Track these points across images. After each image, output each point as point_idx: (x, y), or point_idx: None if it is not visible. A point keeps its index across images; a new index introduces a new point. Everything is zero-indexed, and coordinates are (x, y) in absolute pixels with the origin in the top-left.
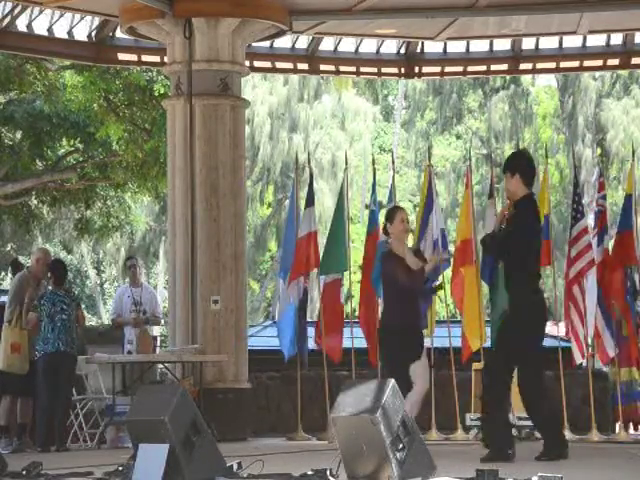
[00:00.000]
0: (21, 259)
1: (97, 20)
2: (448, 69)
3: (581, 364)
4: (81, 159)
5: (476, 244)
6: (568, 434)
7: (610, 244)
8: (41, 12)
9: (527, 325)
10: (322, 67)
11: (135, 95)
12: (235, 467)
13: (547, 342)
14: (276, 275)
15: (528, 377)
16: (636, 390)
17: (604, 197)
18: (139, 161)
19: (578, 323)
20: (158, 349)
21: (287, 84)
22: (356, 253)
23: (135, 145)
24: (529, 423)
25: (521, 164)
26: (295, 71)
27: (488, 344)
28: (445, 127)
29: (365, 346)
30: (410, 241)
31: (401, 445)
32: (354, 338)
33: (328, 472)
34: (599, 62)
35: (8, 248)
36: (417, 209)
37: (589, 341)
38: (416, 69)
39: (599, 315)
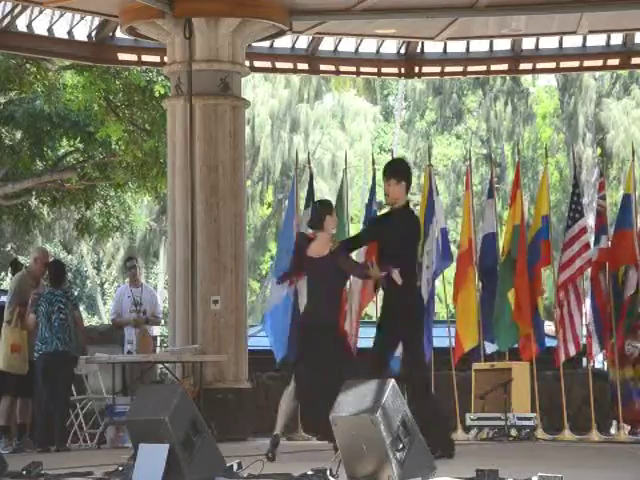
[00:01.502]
0: (21, 259)
1: (97, 20)
2: (448, 69)
3: (581, 363)
4: (81, 159)
5: (476, 245)
6: (568, 434)
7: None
8: (41, 12)
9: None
10: (322, 67)
11: (135, 95)
12: (235, 467)
13: (548, 342)
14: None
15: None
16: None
17: (603, 197)
18: (139, 161)
19: (568, 323)
20: (158, 349)
21: (288, 87)
22: None
23: (135, 145)
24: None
25: (407, 172)
26: (295, 71)
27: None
28: (445, 127)
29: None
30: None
31: (401, 445)
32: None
33: (328, 472)
34: (599, 62)
35: (8, 248)
36: (417, 208)
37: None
38: (416, 69)
39: (590, 315)
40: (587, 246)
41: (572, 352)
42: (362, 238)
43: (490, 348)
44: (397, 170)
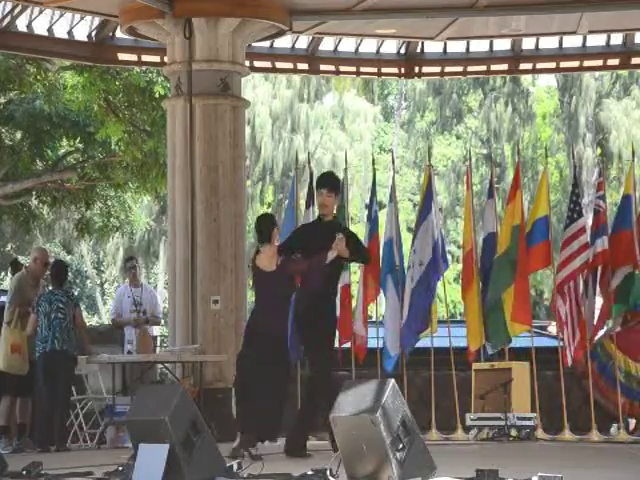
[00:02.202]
0: (21, 259)
1: (97, 20)
2: (448, 69)
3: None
4: (81, 159)
5: (476, 245)
6: (568, 434)
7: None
8: (41, 12)
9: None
10: (322, 67)
11: (135, 96)
12: (235, 467)
13: (548, 342)
14: None
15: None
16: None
17: (602, 197)
18: (139, 162)
19: (570, 323)
20: (158, 349)
21: (288, 87)
22: None
23: (135, 147)
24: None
25: (340, 186)
26: (295, 71)
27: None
28: (445, 127)
29: (369, 346)
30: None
31: (401, 445)
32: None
33: (328, 472)
34: (599, 62)
35: (8, 248)
36: (417, 208)
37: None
38: (416, 69)
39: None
40: (586, 246)
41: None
42: (291, 245)
43: (490, 349)
44: (337, 185)
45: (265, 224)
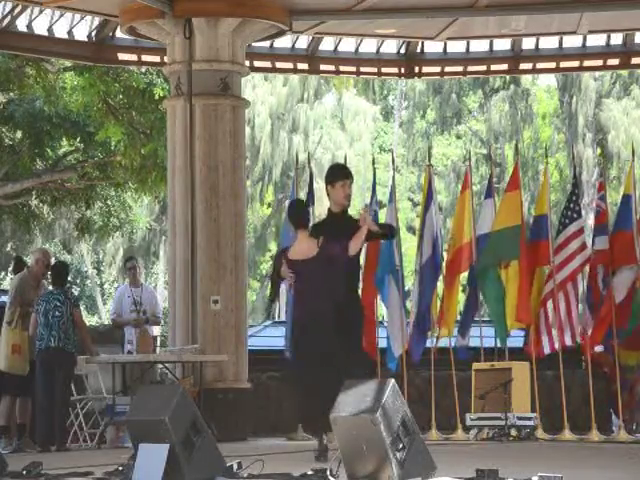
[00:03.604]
0: None
1: (97, 20)
2: (448, 69)
3: (580, 363)
4: (81, 159)
5: (476, 244)
6: (568, 434)
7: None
8: (41, 12)
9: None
10: (322, 67)
11: (134, 98)
12: (235, 467)
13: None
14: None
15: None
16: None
17: (602, 198)
18: (138, 164)
19: (565, 319)
20: (158, 349)
21: (288, 86)
22: None
23: (134, 149)
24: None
25: None
26: (295, 71)
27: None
28: (445, 127)
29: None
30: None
31: (401, 445)
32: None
33: (328, 472)
34: (599, 62)
35: (8, 248)
36: (418, 208)
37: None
38: (416, 69)
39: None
40: (584, 246)
41: (547, 350)
42: None
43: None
44: (350, 173)
45: (298, 209)
